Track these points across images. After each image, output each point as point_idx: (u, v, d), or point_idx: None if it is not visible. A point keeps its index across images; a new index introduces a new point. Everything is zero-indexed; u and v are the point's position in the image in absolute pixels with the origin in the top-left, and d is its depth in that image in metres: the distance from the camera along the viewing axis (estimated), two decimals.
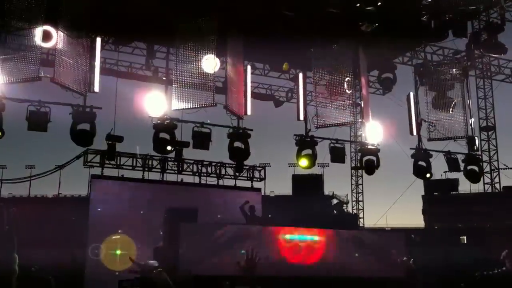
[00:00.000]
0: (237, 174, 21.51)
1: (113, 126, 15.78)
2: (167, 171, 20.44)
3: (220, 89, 13.57)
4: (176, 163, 20.35)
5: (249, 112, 14.24)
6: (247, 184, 21.87)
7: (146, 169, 20.22)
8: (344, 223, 13.45)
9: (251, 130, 14.75)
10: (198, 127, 14.42)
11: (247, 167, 21.63)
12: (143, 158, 20.11)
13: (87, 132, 12.00)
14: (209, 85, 12.51)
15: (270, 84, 21.03)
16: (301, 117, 15.07)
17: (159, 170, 20.37)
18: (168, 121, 13.36)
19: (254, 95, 17.95)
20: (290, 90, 19.99)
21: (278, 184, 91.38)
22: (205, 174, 21.24)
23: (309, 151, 14.91)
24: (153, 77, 17.42)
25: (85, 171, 24.69)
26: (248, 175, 22.08)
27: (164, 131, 13.21)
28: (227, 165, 21.45)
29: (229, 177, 21.63)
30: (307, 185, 36.63)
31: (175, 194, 19.42)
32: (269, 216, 13.73)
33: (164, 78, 14.87)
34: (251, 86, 15.49)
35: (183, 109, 12.77)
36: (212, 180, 21.29)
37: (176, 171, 20.56)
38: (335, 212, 15.67)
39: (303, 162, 14.51)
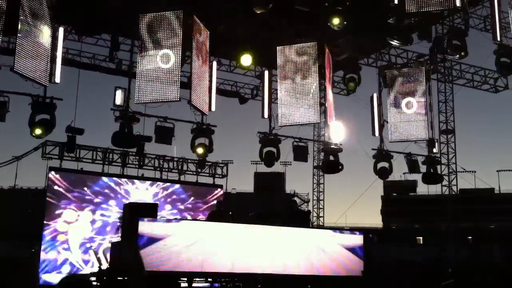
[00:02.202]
0: (199, 170, 21.35)
1: (74, 118, 15.42)
2: (128, 165, 20.10)
3: (184, 84, 13.41)
4: (137, 158, 20.04)
5: (213, 108, 14.11)
6: (209, 180, 21.76)
7: (106, 162, 19.84)
8: (297, 221, 13.42)
9: (215, 126, 14.66)
10: (161, 122, 14.26)
11: (209, 164, 21.48)
12: (103, 151, 19.73)
13: (46, 123, 11.67)
14: (174, 80, 12.33)
15: (235, 81, 20.92)
16: (266, 115, 15.03)
17: (120, 164, 20.02)
18: (131, 114, 13.13)
19: (219, 91, 17.83)
20: (255, 88, 19.94)
21: (240, 181, 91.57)
22: (166, 170, 20.99)
23: (272, 149, 14.90)
24: (117, 70, 17.14)
25: (43, 163, 24.14)
26: (211, 172, 21.94)
27: (126, 125, 12.98)
28: (189, 160, 21.25)
29: (191, 173, 21.45)
30: (269, 183, 36.76)
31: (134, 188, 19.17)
32: (230, 213, 13.62)
33: (127, 71, 14.62)
34: (216, 82, 15.35)
35: (146, 102, 12.57)
36: (173, 176, 21.07)
37: (137, 166, 20.25)
38: (289, 209, 15.70)
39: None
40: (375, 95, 16.30)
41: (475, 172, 42.70)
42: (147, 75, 12.31)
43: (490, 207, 50.76)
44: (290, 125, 14.40)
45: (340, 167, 15.73)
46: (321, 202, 25.26)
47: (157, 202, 16.63)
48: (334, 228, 16.52)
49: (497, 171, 58.32)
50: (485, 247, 31.46)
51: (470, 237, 38.24)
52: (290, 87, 14.33)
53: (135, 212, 11.07)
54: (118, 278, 10.61)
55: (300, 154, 15.88)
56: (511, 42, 15.68)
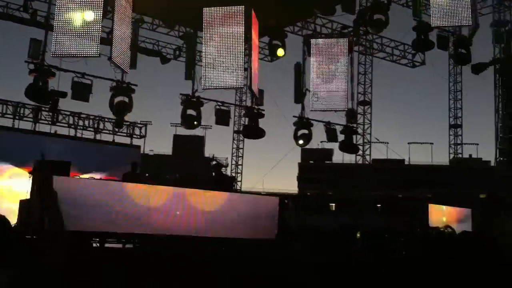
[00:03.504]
0: (117, 129, 20.79)
1: None
2: (40, 121, 19.21)
3: (105, 40, 12.89)
4: (50, 114, 19.16)
5: (134, 67, 13.71)
6: (127, 140, 21.25)
7: (17, 117, 18.86)
8: (222, 185, 13.43)
9: (135, 85, 14.29)
10: (79, 78, 13.71)
11: (127, 123, 20.94)
12: (14, 105, 18.71)
13: None
14: (93, 35, 11.81)
15: (158, 40, 20.37)
16: (189, 77, 14.79)
17: (31, 120, 19.09)
18: (46, 68, 12.51)
19: (141, 50, 17.29)
20: (178, 48, 19.48)
21: (159, 143, 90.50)
22: (81, 127, 20.25)
23: (193, 112, 14.75)
24: (31, 21, 16.17)
25: None
26: (128, 132, 21.43)
27: (41, 79, 12.36)
28: (106, 119, 20.60)
29: (107, 132, 20.84)
30: (188, 146, 36.53)
31: (47, 146, 18.38)
32: (146, 174, 13.41)
33: (44, 23, 13.85)
34: (138, 40, 14.89)
35: (63, 57, 11.99)
36: (89, 134, 20.38)
37: (50, 122, 19.39)
38: (213, 173, 15.73)
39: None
40: (298, 64, 16.41)
41: (387, 143, 44.35)
42: (65, 28, 11.71)
43: (400, 177, 53.15)
44: (213, 89, 14.26)
45: (262, 133, 15.82)
46: (240, 166, 25.44)
47: (70, 161, 16.06)
48: (250, 193, 16.68)
49: (408, 143, 61.07)
50: (394, 215, 32.99)
51: (379, 205, 39.94)
52: (215, 50, 14.11)
53: (47, 169, 10.61)
54: (27, 236, 10.21)
55: (222, 118, 15.82)
56: (430, 19, 16.22)
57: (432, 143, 59.56)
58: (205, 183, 13.30)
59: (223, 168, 31.83)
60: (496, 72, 17.96)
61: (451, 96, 23.88)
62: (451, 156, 24.14)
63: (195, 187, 12.31)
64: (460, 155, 24.26)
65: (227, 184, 14.46)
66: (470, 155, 43.45)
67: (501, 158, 18.44)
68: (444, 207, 15.24)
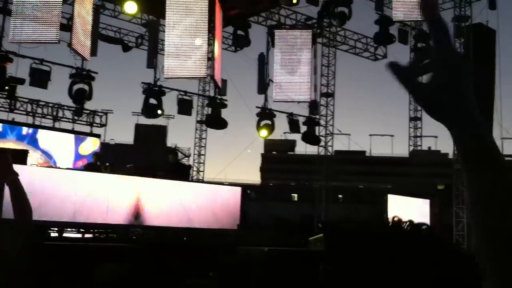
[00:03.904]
0: (76, 118, 20.40)
1: None
2: None
3: (65, 26, 12.61)
4: (8, 101, 18.66)
5: (95, 54, 13.46)
6: (87, 129, 20.89)
7: None
8: (178, 173, 13.36)
9: (96, 73, 14.05)
10: (37, 64, 13.40)
11: (87, 112, 20.57)
12: None
13: None
14: (53, 21, 11.53)
15: (119, 27, 20.01)
16: (151, 65, 14.61)
17: None
18: (4, 53, 12.18)
19: (102, 37, 16.97)
20: (140, 36, 19.19)
21: (120, 132, 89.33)
22: (40, 115, 19.80)
23: (155, 101, 14.59)
24: None
25: None
26: (88, 120, 21.07)
27: None
28: (65, 107, 20.18)
29: (67, 120, 20.44)
30: (150, 135, 36.15)
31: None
32: (107, 164, 13.22)
33: (2, 7, 13.45)
34: (99, 27, 14.63)
35: (22, 42, 11.70)
36: (47, 122, 19.95)
37: (7, 109, 18.90)
38: (170, 161, 15.46)
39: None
40: (262, 54, 16.40)
41: (350, 135, 44.83)
42: (24, 13, 11.41)
43: (361, 169, 53.96)
44: (175, 78, 14.12)
45: (225, 124, 15.78)
46: (202, 157, 25.31)
47: (27, 149, 15.72)
48: (213, 183, 16.65)
49: (370, 135, 62.02)
50: (354, 205, 33.48)
51: (341, 196, 40.48)
52: (178, 38, 13.96)
53: (5, 155, 10.34)
54: None
55: (184, 107, 15.70)
56: (392, 13, 16.42)
57: (392, 135, 60.76)
58: (165, 173, 13.20)
59: (185, 158, 31.65)
60: None
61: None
62: (411, 148, 24.51)
63: (156, 176, 12.22)
64: (419, 147, 24.64)
65: (183, 172, 14.38)
66: (429, 148, 44.36)
67: None
68: (403, 197, 15.51)
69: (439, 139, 45.55)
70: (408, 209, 15.00)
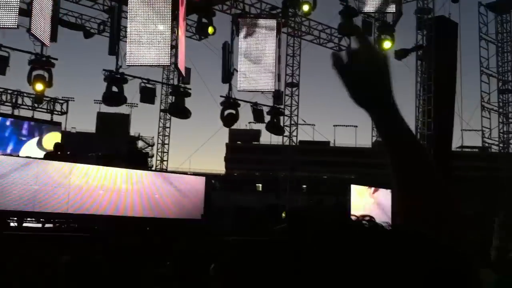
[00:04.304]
0: (36, 105, 19.92)
1: None
2: None
3: (24, 11, 12.26)
4: None
5: (55, 40, 13.14)
6: (47, 117, 20.42)
7: None
8: (135, 161, 13.19)
9: (56, 59, 13.72)
10: None
11: (47, 99, 20.10)
12: None
13: None
14: (11, 5, 11.21)
15: (81, 13, 19.56)
16: (113, 52, 14.33)
17: None
18: None
19: (62, 23, 16.56)
20: (103, 23, 18.79)
21: (82, 121, 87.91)
22: None
23: (118, 89, 14.34)
24: None
25: None
26: (49, 108, 20.60)
27: None
28: (25, 94, 19.67)
29: (26, 107, 19.94)
30: (113, 124, 35.66)
31: None
32: (68, 152, 12.95)
33: None
34: (60, 13, 14.28)
35: None
36: (6, 109, 19.44)
37: None
38: (127, 149, 15.00)
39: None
40: (226, 43, 16.28)
41: (314, 125, 45.16)
42: None
43: (325, 159, 54.40)
44: (138, 65, 13.91)
45: (188, 113, 15.65)
46: (166, 146, 25.09)
47: None
48: (177, 172, 16.51)
49: (334, 125, 62.52)
50: (318, 195, 33.73)
51: (305, 186, 40.76)
52: (141, 26, 13.74)
53: None
54: None
55: (147, 96, 15.49)
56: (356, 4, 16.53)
57: (356, 126, 61.41)
58: (122, 161, 12.98)
59: (149, 147, 31.36)
60: (418, 58, 18.55)
61: None
62: (374, 138, 24.81)
63: (118, 165, 12.03)
64: None
65: (140, 160, 14.20)
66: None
67: (422, 141, 19.17)
68: (366, 188, 15.68)
69: None
70: (371, 199, 15.17)
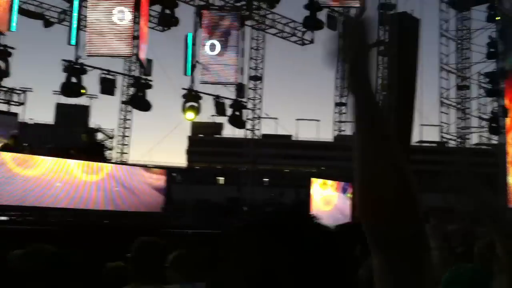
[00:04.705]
0: None
1: None
2: None
3: None
4: None
5: (13, 28, 12.78)
6: (3, 107, 19.87)
7: None
8: (92, 153, 12.95)
9: (13, 48, 13.36)
10: None
11: (5, 89, 19.55)
12: None
13: None
14: None
15: (41, 2, 19.07)
16: (72, 42, 14.01)
17: None
18: None
19: (21, 11, 16.12)
20: (63, 12, 18.36)
21: (40, 112, 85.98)
22: None
23: (77, 80, 14.05)
24: None
25: None
26: (5, 98, 20.04)
27: None
28: None
29: None
30: (72, 115, 35.01)
31: None
32: (25, 144, 12.64)
33: None
34: (20, 1, 13.91)
35: None
36: None
37: None
38: (83, 141, 14.59)
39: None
40: (189, 35, 16.14)
41: (277, 119, 45.36)
42: None
43: (287, 152, 54.68)
44: (98, 56, 13.65)
45: (148, 106, 15.48)
46: (127, 138, 24.80)
47: None
48: (137, 165, 16.30)
49: (296, 119, 62.91)
50: (279, 189, 33.88)
51: (267, 179, 40.91)
52: (103, 15, 13.49)
53: None
54: None
55: (107, 87, 15.21)
56: None
57: (319, 120, 61.90)
58: (77, 153, 12.72)
59: (109, 140, 30.88)
60: (379, 54, 18.77)
61: (337, 75, 24.72)
62: (336, 133, 25.08)
63: (76, 157, 11.79)
64: (344, 132, 25.26)
65: (96, 152, 13.95)
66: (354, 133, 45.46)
67: None
68: (327, 181, 15.80)
69: None
70: (332, 192, 15.31)
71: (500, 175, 19.36)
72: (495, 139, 20.88)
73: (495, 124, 20.07)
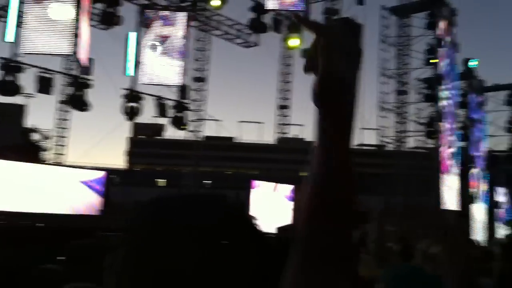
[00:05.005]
0: None
1: None
2: None
3: None
4: None
5: None
6: None
7: None
8: (26, 154, 12.58)
9: None
10: None
11: None
12: None
13: None
14: None
15: None
16: (10, 39, 13.50)
17: None
18: None
19: None
20: (2, 8, 17.66)
21: None
22: None
23: (12, 78, 13.55)
24: None
25: None
26: None
27: None
28: None
29: None
30: (6, 114, 33.73)
31: None
32: None
33: None
34: None
35: None
36: None
37: None
38: (19, 142, 14.04)
39: None
40: (131, 34, 15.88)
41: (220, 120, 45.26)
42: None
43: (229, 154, 54.69)
44: (35, 53, 13.20)
45: (86, 106, 15.12)
46: (65, 139, 24.08)
47: None
48: (75, 167, 15.87)
49: (239, 121, 63.04)
50: (220, 190, 33.80)
51: (209, 181, 40.74)
52: (41, 12, 13.06)
53: None
54: None
55: (44, 86, 14.73)
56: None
57: (262, 123, 62.25)
58: (15, 154, 12.30)
59: (45, 140, 29.93)
60: None
61: (281, 78, 24.87)
62: (278, 135, 25.27)
63: (8, 158, 11.36)
64: (286, 135, 25.48)
65: (32, 153, 13.56)
66: (296, 136, 45.97)
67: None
68: (269, 183, 15.85)
69: (306, 127, 47.43)
70: (272, 194, 15.39)
71: (435, 177, 20.06)
72: (431, 143, 21.53)
73: (431, 128, 20.69)
